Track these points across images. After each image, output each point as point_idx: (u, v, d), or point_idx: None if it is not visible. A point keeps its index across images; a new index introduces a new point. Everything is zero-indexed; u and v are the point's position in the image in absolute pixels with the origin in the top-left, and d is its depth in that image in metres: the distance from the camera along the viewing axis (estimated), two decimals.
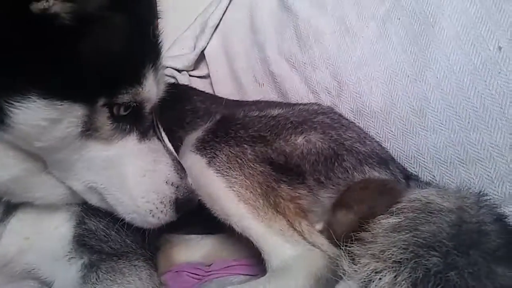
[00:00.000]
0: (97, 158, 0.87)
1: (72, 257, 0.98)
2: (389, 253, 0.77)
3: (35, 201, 0.92)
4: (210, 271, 1.21)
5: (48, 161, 0.87)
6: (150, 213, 0.95)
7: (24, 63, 0.74)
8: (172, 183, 0.98)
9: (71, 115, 0.78)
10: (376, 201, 1.02)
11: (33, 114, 0.75)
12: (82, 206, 1.01)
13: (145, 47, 0.90)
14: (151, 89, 0.90)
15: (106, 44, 0.80)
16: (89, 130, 0.83)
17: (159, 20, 1.01)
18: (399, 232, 0.82)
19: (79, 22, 0.75)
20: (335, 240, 0.89)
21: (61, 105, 0.76)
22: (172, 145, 1.06)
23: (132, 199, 0.92)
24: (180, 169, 1.02)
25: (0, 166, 0.83)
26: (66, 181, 0.92)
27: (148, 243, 1.07)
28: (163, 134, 1.04)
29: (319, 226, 1.10)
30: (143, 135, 0.95)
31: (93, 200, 0.96)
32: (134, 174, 0.92)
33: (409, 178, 1.28)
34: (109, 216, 0.99)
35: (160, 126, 1.04)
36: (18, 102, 0.74)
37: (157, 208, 0.95)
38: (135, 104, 0.88)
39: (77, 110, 0.79)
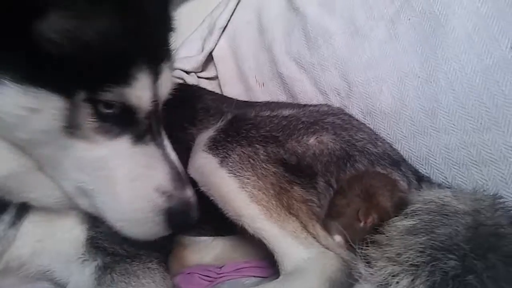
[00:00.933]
0: (85, 158, 0.83)
1: (85, 260, 0.98)
2: (406, 256, 0.77)
3: (31, 201, 0.91)
4: (221, 273, 1.21)
5: (36, 157, 0.84)
6: (138, 222, 0.90)
7: None
8: (163, 191, 0.90)
9: (50, 106, 0.74)
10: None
11: (9, 101, 0.72)
12: None
13: (138, 46, 0.81)
14: (142, 94, 0.83)
15: (85, 32, 0.73)
16: (71, 127, 0.78)
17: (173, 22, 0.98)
18: (415, 235, 0.81)
19: (52, 2, 0.70)
20: (350, 242, 0.87)
21: (37, 93, 0.72)
22: (184, 142, 1.02)
23: (120, 204, 0.87)
24: (178, 179, 0.94)
25: None
26: (58, 181, 0.88)
27: (160, 245, 1.07)
28: (166, 141, 0.97)
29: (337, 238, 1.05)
30: (138, 138, 0.89)
31: (84, 205, 0.91)
32: (123, 177, 0.87)
33: (421, 179, 1.26)
34: None
35: (163, 132, 0.97)
36: None
37: (146, 217, 0.89)
38: (121, 104, 0.81)
39: (56, 101, 0.74)
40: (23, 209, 0.95)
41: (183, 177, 0.97)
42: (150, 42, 0.86)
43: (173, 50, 0.96)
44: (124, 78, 0.78)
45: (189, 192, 0.96)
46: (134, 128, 0.87)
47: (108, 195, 0.87)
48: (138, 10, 0.82)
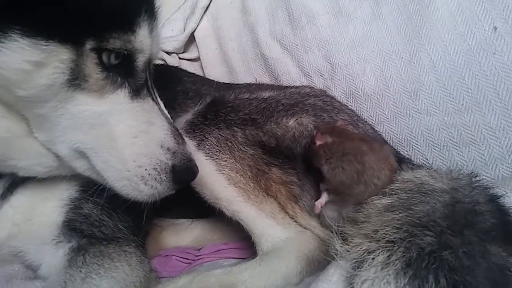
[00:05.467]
0: (85, 113, 0.80)
1: (59, 241, 0.95)
2: (382, 232, 0.76)
3: (19, 171, 0.86)
4: (200, 255, 1.19)
5: (31, 119, 0.81)
6: (142, 180, 0.85)
7: None
8: (168, 148, 0.89)
9: (57, 59, 0.73)
10: None
11: (15, 55, 0.70)
12: (79, 191, 0.97)
13: (141, 1, 0.87)
14: (144, 40, 0.85)
15: None
16: (76, 79, 0.77)
17: None
18: (392, 211, 0.80)
19: None
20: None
21: (46, 45, 0.71)
22: None
23: (122, 162, 0.84)
24: (178, 134, 0.94)
25: None
26: (51, 146, 0.85)
27: (139, 228, 1.04)
28: (159, 98, 0.96)
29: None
30: (136, 92, 0.88)
31: (81, 168, 0.88)
32: (125, 134, 0.84)
33: (402, 161, 1.25)
34: (105, 199, 0.94)
35: (155, 90, 0.96)
36: None
37: (149, 174, 0.86)
38: (126, 52, 0.82)
39: (63, 53, 0.74)
40: (9, 189, 0.92)
41: (180, 132, 0.96)
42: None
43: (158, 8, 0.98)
44: (130, 25, 0.83)
45: (188, 148, 0.95)
46: (133, 80, 0.88)
47: (108, 153, 0.84)
48: None
